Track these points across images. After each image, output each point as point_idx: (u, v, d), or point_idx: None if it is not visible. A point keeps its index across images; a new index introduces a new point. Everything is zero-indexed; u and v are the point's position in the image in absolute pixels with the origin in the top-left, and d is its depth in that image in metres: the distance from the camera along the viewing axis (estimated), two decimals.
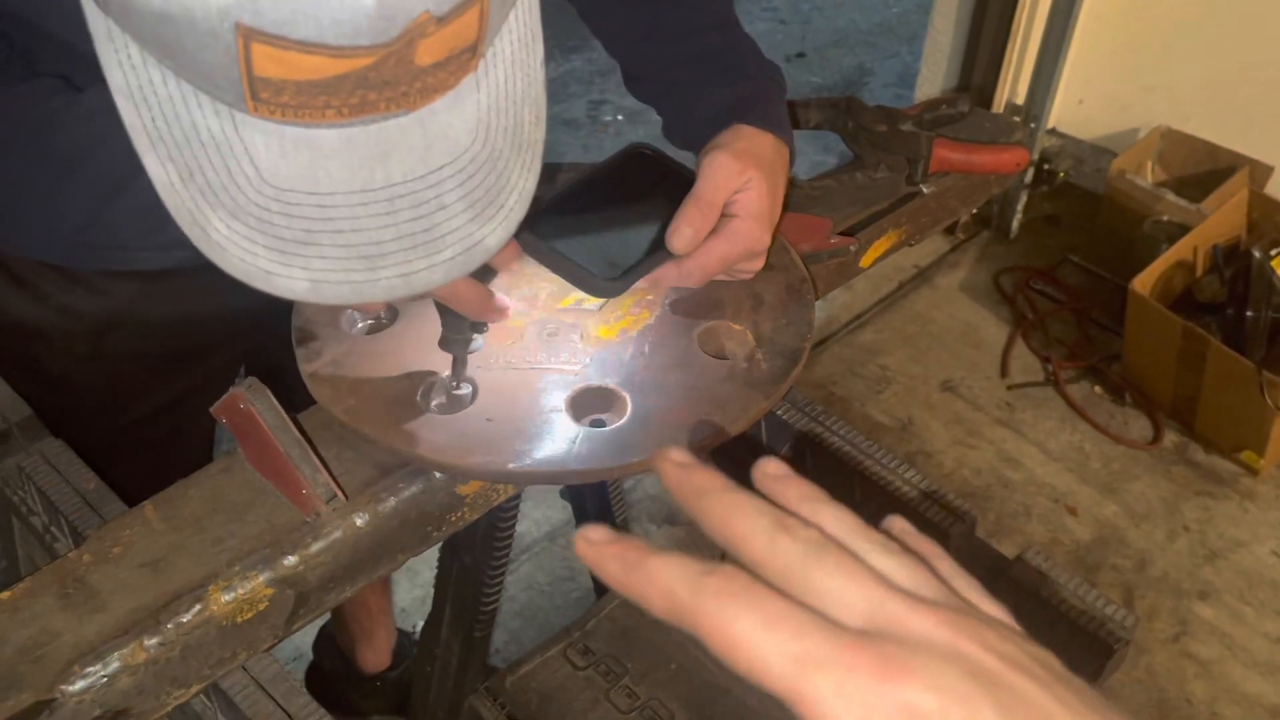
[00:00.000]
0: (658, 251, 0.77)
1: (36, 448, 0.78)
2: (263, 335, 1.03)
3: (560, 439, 0.70)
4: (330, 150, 0.50)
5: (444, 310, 0.71)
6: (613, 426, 0.71)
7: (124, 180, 0.68)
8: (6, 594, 0.63)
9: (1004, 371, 2.31)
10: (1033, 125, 2.45)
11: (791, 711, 0.29)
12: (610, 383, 0.74)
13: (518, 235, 0.65)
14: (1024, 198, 2.56)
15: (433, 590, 1.42)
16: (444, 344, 0.72)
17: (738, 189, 0.77)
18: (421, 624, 1.51)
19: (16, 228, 0.71)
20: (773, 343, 0.78)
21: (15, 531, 0.85)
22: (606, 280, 0.76)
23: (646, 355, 0.76)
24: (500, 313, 0.72)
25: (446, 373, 0.73)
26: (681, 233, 0.75)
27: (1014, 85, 2.44)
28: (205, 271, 0.91)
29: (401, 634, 1.69)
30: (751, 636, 0.30)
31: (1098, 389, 2.26)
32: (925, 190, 1.03)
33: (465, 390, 0.73)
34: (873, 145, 1.04)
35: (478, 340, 0.74)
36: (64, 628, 0.61)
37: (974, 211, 2.50)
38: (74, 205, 0.69)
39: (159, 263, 0.86)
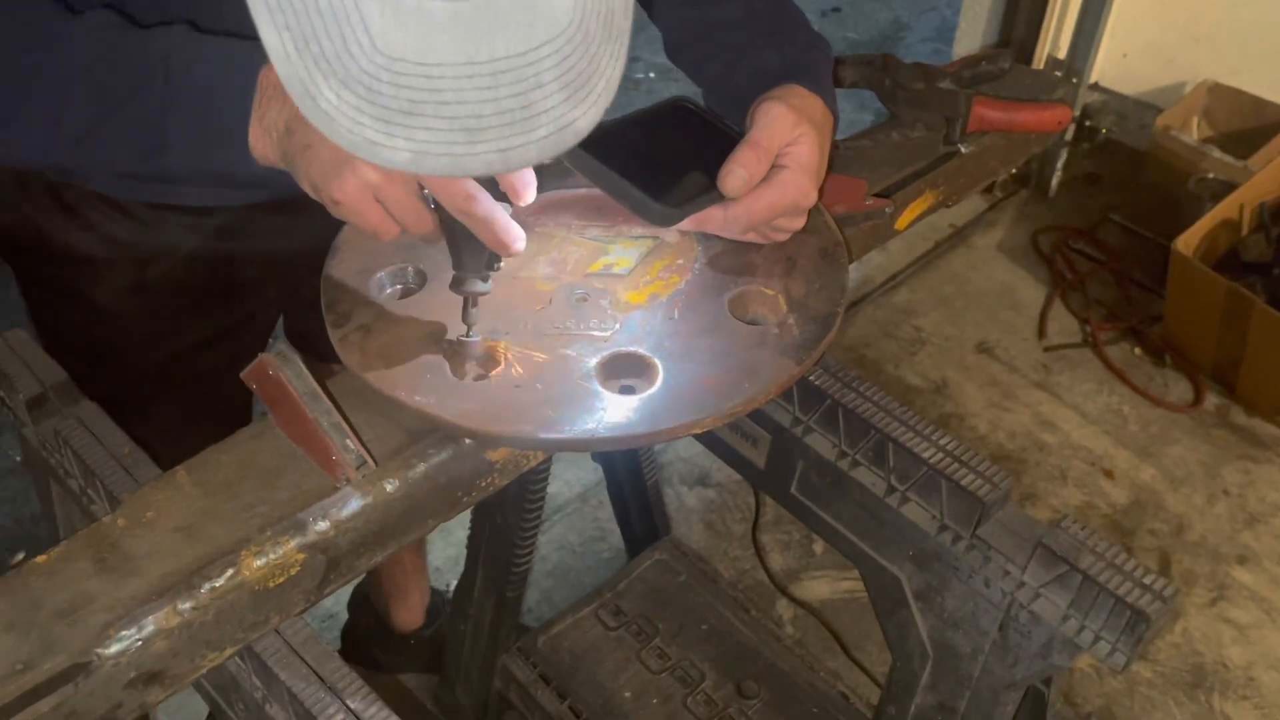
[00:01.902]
0: (708, 193, 0.77)
1: (72, 411, 0.79)
2: (303, 277, 1.03)
3: (590, 406, 0.69)
4: (441, 22, 0.51)
5: (460, 244, 0.69)
6: (643, 394, 0.70)
7: (121, 100, 0.70)
8: (42, 558, 0.64)
9: (1041, 333, 2.27)
10: (1075, 80, 2.39)
11: None
12: (640, 349, 0.73)
13: (572, 153, 0.63)
14: (1064, 155, 2.51)
15: (466, 550, 1.43)
16: (456, 285, 0.71)
17: (790, 141, 0.77)
18: (455, 583, 1.52)
19: (17, 133, 0.72)
20: (805, 307, 0.77)
21: (53, 494, 0.86)
22: (663, 207, 0.76)
23: (677, 321, 0.75)
24: (519, 244, 0.68)
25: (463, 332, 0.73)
26: (735, 174, 0.75)
27: (1056, 39, 2.38)
28: (247, 210, 0.92)
29: (435, 593, 1.71)
30: None
31: (1137, 351, 2.23)
32: (964, 150, 1.01)
33: (476, 338, 0.72)
34: (910, 103, 1.01)
35: (488, 283, 0.72)
36: (99, 591, 0.62)
37: (1013, 170, 2.46)
38: (72, 115, 0.71)
39: (201, 199, 0.88)
